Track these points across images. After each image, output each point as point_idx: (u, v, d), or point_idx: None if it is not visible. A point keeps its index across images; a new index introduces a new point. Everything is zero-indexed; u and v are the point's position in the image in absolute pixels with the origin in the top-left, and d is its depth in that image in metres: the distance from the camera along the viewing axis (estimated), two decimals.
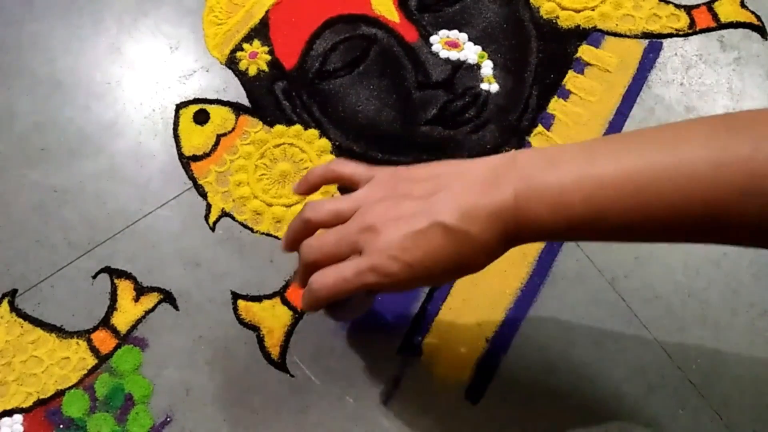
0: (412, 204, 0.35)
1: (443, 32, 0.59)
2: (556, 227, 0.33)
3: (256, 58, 0.59)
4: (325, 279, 0.36)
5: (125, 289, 0.52)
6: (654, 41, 0.58)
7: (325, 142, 0.55)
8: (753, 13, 0.58)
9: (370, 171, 0.39)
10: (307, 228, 0.39)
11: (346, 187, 0.42)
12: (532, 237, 0.35)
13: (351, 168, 0.40)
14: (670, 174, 0.31)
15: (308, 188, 0.42)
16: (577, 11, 0.59)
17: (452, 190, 0.35)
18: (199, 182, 0.55)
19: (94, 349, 0.50)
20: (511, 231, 0.34)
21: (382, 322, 0.50)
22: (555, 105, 0.56)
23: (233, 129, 0.56)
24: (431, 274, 0.35)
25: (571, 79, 0.57)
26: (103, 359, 0.50)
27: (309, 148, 0.55)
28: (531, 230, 0.34)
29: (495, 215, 0.34)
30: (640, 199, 0.32)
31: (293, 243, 0.40)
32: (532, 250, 0.51)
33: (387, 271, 0.34)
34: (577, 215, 0.33)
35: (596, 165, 0.33)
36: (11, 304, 0.51)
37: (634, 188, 0.32)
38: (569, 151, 0.34)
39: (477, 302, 0.50)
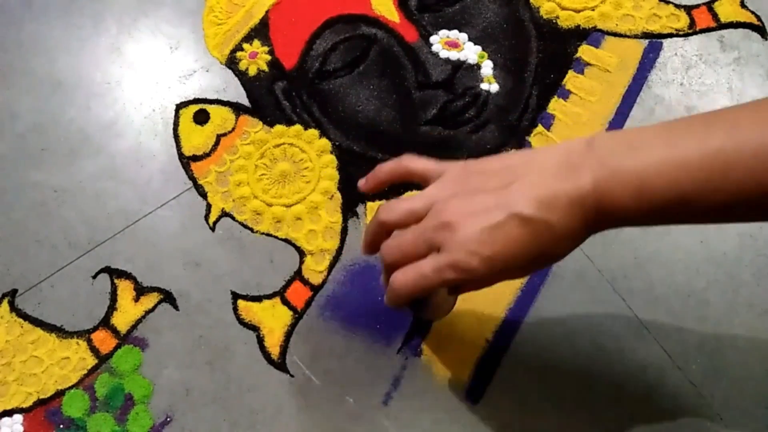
0: (487, 197, 0.34)
1: (443, 32, 0.59)
2: (640, 211, 0.33)
3: (256, 58, 0.59)
4: (405, 277, 0.36)
5: (125, 289, 0.52)
6: (654, 41, 0.58)
7: (325, 142, 0.55)
8: (753, 13, 0.58)
9: (440, 166, 0.38)
10: (383, 230, 0.39)
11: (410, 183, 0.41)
12: (615, 223, 0.34)
13: (422, 164, 0.39)
14: (758, 152, 0.31)
15: (376, 184, 0.41)
16: (577, 11, 0.59)
17: (527, 180, 0.34)
18: (199, 182, 0.55)
19: (94, 349, 0.50)
20: (591, 218, 0.33)
21: (382, 322, 0.50)
22: (555, 105, 0.56)
23: (233, 129, 0.56)
24: (512, 266, 0.34)
25: (571, 79, 0.57)
26: (103, 359, 0.50)
27: (309, 148, 0.55)
28: (613, 216, 0.33)
29: (575, 202, 0.33)
30: (729, 179, 0.31)
31: (372, 246, 0.40)
32: None
33: (466, 266, 0.34)
34: (662, 199, 0.32)
35: (679, 147, 0.32)
36: (11, 304, 0.51)
37: (722, 169, 0.31)
38: (648, 133, 0.34)
39: (477, 302, 0.50)
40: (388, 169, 0.41)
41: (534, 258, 0.34)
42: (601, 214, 0.33)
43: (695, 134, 0.32)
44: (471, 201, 0.35)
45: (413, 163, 0.40)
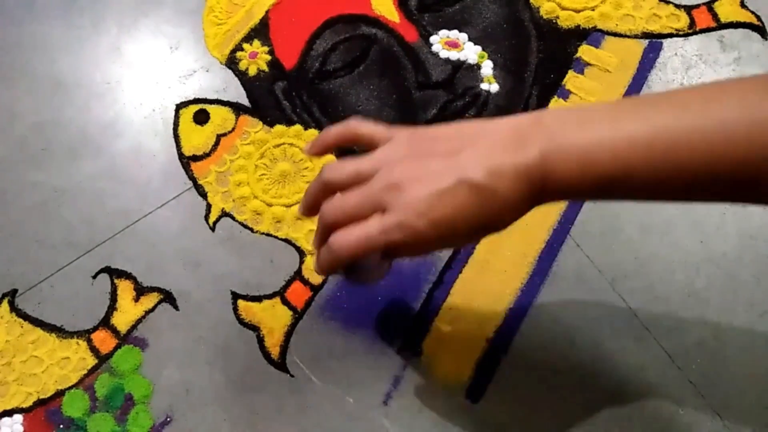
0: (437, 162, 0.35)
1: (443, 32, 0.59)
2: (583, 185, 0.34)
3: (256, 58, 0.59)
4: (347, 237, 0.35)
5: (125, 289, 0.52)
6: (654, 41, 0.58)
7: None
8: (753, 13, 0.58)
9: (389, 131, 0.38)
10: (326, 190, 0.38)
11: (350, 149, 0.40)
12: (558, 195, 0.35)
13: (370, 127, 0.39)
14: (703, 132, 0.31)
15: (322, 148, 0.40)
16: (577, 11, 0.59)
17: (477, 148, 0.34)
18: (199, 182, 0.55)
19: (94, 349, 0.50)
20: (537, 189, 0.34)
21: (382, 321, 0.50)
22: (555, 105, 0.56)
23: (233, 129, 0.56)
24: (456, 232, 0.35)
25: (571, 79, 0.57)
26: (103, 359, 0.50)
27: None
28: (557, 189, 0.34)
29: (521, 173, 0.33)
30: (671, 157, 0.32)
31: (312, 207, 0.39)
32: (532, 250, 0.51)
33: (413, 228, 0.34)
34: (606, 173, 0.33)
35: (626, 124, 0.33)
36: (11, 304, 0.51)
37: (666, 146, 0.32)
38: (597, 111, 0.34)
39: (477, 302, 0.50)
40: (335, 132, 0.39)
41: (478, 225, 0.35)
42: (546, 186, 0.34)
43: (642, 112, 0.33)
44: (420, 164, 0.35)
45: (361, 126, 0.39)
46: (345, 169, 0.37)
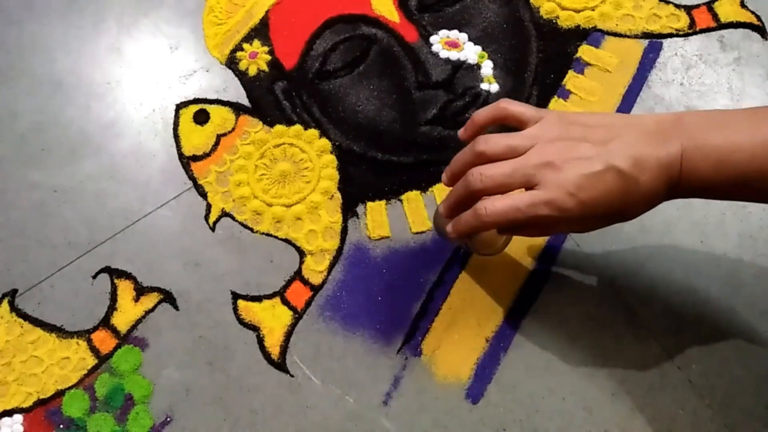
0: (588, 147, 0.37)
1: (443, 32, 0.59)
2: (718, 184, 0.36)
3: (256, 58, 0.59)
4: (495, 205, 0.37)
5: (125, 289, 0.52)
6: (654, 41, 0.58)
7: (325, 142, 0.55)
8: (753, 13, 0.58)
9: (539, 112, 0.40)
10: (477, 161, 0.40)
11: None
12: (691, 191, 0.37)
13: (521, 107, 0.41)
14: None
15: (475, 130, 0.42)
16: (577, 11, 0.59)
17: (625, 139, 0.37)
18: (199, 182, 0.55)
19: (94, 349, 0.50)
20: (674, 183, 0.37)
21: (382, 322, 0.50)
22: (555, 105, 0.56)
23: (233, 129, 0.56)
24: (597, 215, 0.37)
25: (571, 79, 0.57)
26: (103, 359, 0.50)
27: (309, 148, 0.55)
28: (692, 185, 0.37)
29: (663, 167, 0.36)
30: None
31: (458, 176, 0.41)
32: (532, 250, 0.51)
33: (562, 205, 0.36)
34: (740, 174, 0.36)
35: (763, 129, 0.35)
36: (11, 304, 0.51)
37: None
38: (734, 114, 0.37)
39: (477, 302, 0.50)
40: (486, 113, 0.42)
41: (617, 211, 0.37)
42: (682, 181, 0.37)
43: None
44: (574, 147, 0.37)
45: (512, 105, 0.41)
46: (500, 142, 0.39)
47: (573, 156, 0.37)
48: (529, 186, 0.37)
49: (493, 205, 0.38)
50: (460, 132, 0.43)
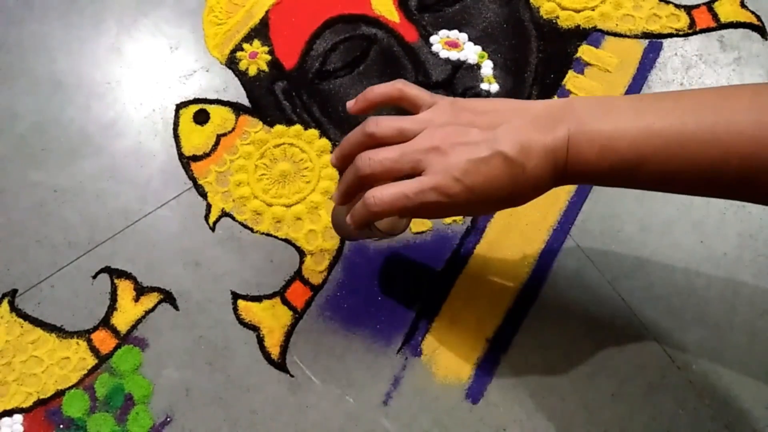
0: (477, 132, 0.37)
1: (443, 32, 0.59)
2: (601, 170, 0.36)
3: (256, 58, 0.59)
4: (384, 193, 0.37)
5: (125, 289, 0.52)
6: (654, 41, 0.58)
7: (325, 142, 0.55)
8: (753, 13, 0.58)
9: (432, 97, 0.40)
10: (366, 143, 0.39)
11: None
12: (578, 178, 0.37)
13: (417, 90, 0.40)
14: (716, 130, 0.34)
15: (366, 105, 0.41)
16: (577, 11, 0.59)
17: (513, 125, 0.37)
18: (199, 182, 0.55)
19: (94, 349, 0.50)
20: (560, 169, 0.37)
21: (382, 322, 0.50)
22: None
23: (233, 129, 0.56)
24: (485, 200, 0.37)
25: (571, 79, 0.57)
26: (103, 359, 0.50)
27: (309, 148, 0.55)
28: (577, 171, 0.36)
29: (549, 152, 0.36)
30: (685, 150, 0.34)
31: (348, 158, 0.40)
32: (532, 250, 0.51)
33: (450, 191, 0.36)
34: (622, 160, 0.35)
35: (646, 117, 0.35)
36: (11, 304, 0.51)
37: (681, 140, 0.34)
38: (622, 101, 0.37)
39: (477, 302, 0.50)
40: (381, 90, 0.41)
41: (504, 196, 0.37)
42: (568, 166, 0.36)
43: (663, 107, 0.36)
44: (462, 133, 0.37)
45: (408, 87, 0.40)
46: (391, 125, 0.38)
47: (460, 141, 0.37)
48: (417, 171, 0.37)
49: (381, 194, 0.37)
50: (350, 104, 0.42)
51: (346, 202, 0.41)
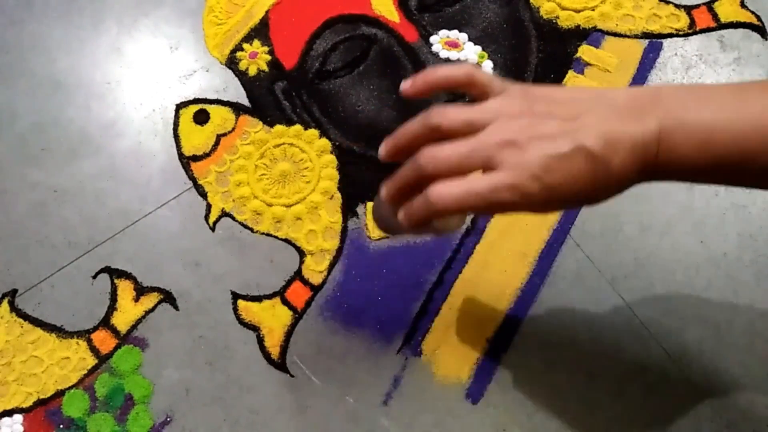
0: (555, 124, 0.33)
1: (443, 32, 0.59)
2: (700, 166, 0.33)
3: (256, 58, 0.59)
4: (451, 190, 0.33)
5: (125, 289, 0.52)
6: (654, 41, 0.58)
7: (325, 142, 0.55)
8: (753, 13, 0.58)
9: (503, 83, 0.36)
10: (430, 135, 0.35)
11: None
12: (670, 175, 0.34)
13: (488, 76, 0.36)
14: None
15: (426, 88, 0.36)
16: (577, 11, 0.59)
17: (595, 115, 0.33)
18: (199, 182, 0.55)
19: (94, 349, 0.50)
20: (650, 165, 0.33)
21: (382, 322, 0.50)
22: None
23: (233, 129, 0.56)
24: (564, 199, 0.33)
25: (571, 79, 0.57)
26: (103, 359, 0.50)
27: (309, 148, 0.55)
28: (672, 167, 0.33)
29: (638, 146, 0.32)
30: None
31: (404, 150, 0.36)
32: (532, 250, 0.51)
33: (527, 190, 0.32)
34: (726, 155, 0.32)
35: (749, 106, 0.32)
36: (11, 304, 0.51)
37: None
38: (719, 89, 0.33)
39: (477, 302, 0.50)
40: (446, 72, 0.36)
41: (585, 195, 0.33)
42: (659, 162, 0.33)
43: (764, 97, 0.32)
44: (538, 124, 0.33)
45: (479, 72, 0.36)
46: (459, 116, 0.34)
47: (537, 134, 0.33)
48: (489, 167, 0.33)
49: (450, 192, 0.33)
50: (405, 84, 0.37)
51: (398, 202, 0.36)
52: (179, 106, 0.57)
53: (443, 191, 0.33)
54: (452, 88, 0.37)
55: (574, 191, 0.33)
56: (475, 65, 0.37)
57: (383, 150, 0.37)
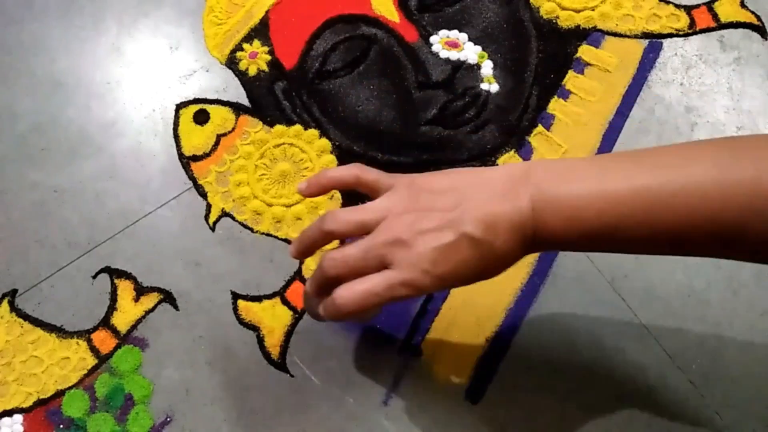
0: (438, 216, 0.36)
1: (443, 32, 0.59)
2: (570, 239, 0.35)
3: (256, 58, 0.59)
4: (352, 293, 0.36)
5: (125, 289, 0.52)
6: (654, 41, 0.58)
7: (325, 142, 0.55)
8: (753, 13, 0.58)
9: (389, 179, 0.39)
10: (326, 239, 0.39)
11: (351, 192, 0.41)
12: (548, 246, 0.36)
13: (375, 174, 0.39)
14: (679, 192, 0.33)
15: (319, 189, 0.41)
16: (577, 11, 0.59)
17: (474, 201, 0.36)
18: (199, 182, 0.55)
19: (94, 349, 0.50)
20: (528, 240, 0.36)
21: (382, 322, 0.50)
22: (555, 105, 0.56)
23: (233, 129, 0.56)
24: (459, 281, 0.36)
25: (571, 79, 0.57)
26: (103, 359, 0.50)
27: (309, 148, 0.55)
28: (546, 240, 0.36)
29: (515, 226, 0.35)
30: (651, 215, 0.34)
31: (307, 252, 0.40)
32: None
33: (419, 284, 0.35)
34: (591, 229, 0.35)
35: (608, 182, 0.35)
36: (11, 304, 0.51)
37: (646, 205, 0.34)
38: (581, 166, 0.36)
39: (477, 302, 0.50)
40: (336, 174, 0.40)
41: (476, 275, 0.36)
42: (536, 236, 0.35)
43: (624, 171, 0.35)
44: (422, 219, 0.36)
45: (365, 172, 0.39)
46: (350, 220, 0.38)
47: (423, 229, 0.35)
48: (384, 266, 0.36)
49: (350, 294, 0.36)
50: (301, 185, 0.41)
51: (321, 297, 0.39)
52: (179, 106, 0.57)
53: (344, 295, 0.36)
54: (344, 188, 0.41)
55: (466, 275, 0.36)
56: (361, 166, 0.40)
57: (292, 250, 0.41)
